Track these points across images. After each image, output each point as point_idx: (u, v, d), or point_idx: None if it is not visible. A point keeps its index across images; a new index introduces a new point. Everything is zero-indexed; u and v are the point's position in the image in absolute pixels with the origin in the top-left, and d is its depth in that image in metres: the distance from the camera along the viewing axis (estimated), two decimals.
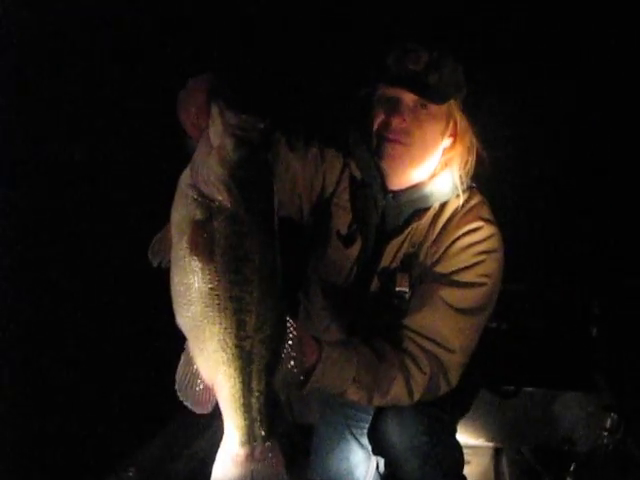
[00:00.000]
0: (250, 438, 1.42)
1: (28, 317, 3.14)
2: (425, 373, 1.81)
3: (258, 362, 1.38)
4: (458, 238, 1.96)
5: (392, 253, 2.03)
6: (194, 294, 1.32)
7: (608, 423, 2.88)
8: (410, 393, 1.81)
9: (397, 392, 1.80)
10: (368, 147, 2.03)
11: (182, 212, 1.32)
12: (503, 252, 1.99)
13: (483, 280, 1.92)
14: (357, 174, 2.12)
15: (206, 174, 1.30)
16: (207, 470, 2.37)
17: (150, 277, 1.43)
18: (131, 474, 2.05)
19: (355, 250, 2.09)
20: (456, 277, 1.91)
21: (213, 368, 1.38)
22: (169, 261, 1.36)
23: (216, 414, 2.49)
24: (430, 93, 1.90)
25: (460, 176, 2.01)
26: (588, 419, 3.12)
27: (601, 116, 4.40)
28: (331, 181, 2.17)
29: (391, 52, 1.94)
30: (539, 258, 3.98)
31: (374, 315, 2.06)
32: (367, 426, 2.30)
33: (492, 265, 1.94)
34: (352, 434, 2.39)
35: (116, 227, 3.72)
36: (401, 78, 1.90)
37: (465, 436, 3.16)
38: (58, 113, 3.72)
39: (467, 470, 2.95)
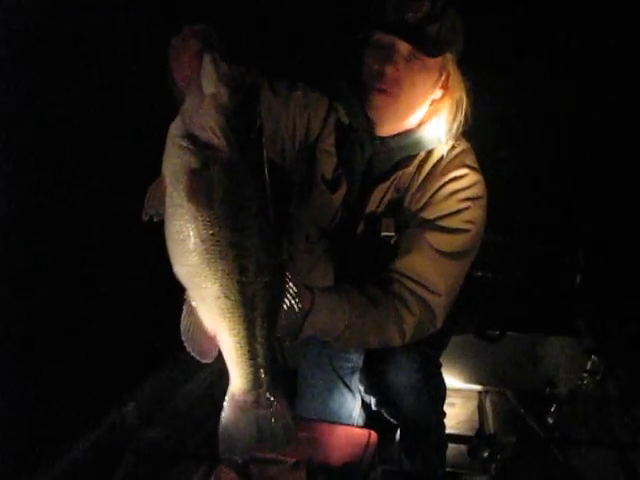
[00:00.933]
0: (256, 385, 1.43)
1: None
2: (414, 315, 1.86)
3: (260, 308, 1.39)
4: (443, 185, 1.98)
5: (378, 198, 2.05)
6: (194, 242, 1.32)
7: (589, 365, 2.98)
8: (401, 335, 1.86)
9: (389, 335, 1.85)
10: (357, 94, 2.02)
11: (176, 162, 1.31)
12: (487, 199, 2.02)
13: (468, 226, 1.95)
14: (344, 119, 2.09)
15: (202, 121, 1.30)
16: (203, 406, 2.47)
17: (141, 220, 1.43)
18: (130, 409, 2.10)
19: (340, 195, 2.09)
20: (442, 223, 1.94)
21: (216, 317, 1.38)
22: (162, 215, 1.35)
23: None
24: (426, 45, 1.87)
25: (447, 126, 2.01)
26: (570, 362, 3.22)
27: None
28: (315, 125, 2.15)
29: None
30: (525, 209, 4.04)
31: (360, 259, 2.09)
32: (351, 366, 2.37)
33: (477, 212, 1.98)
34: (337, 374, 2.41)
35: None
36: (399, 26, 1.86)
37: (450, 379, 3.25)
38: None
39: (452, 412, 3.08)
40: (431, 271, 1.90)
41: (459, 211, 1.95)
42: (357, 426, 2.38)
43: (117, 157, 3.77)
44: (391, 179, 2.04)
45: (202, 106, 1.31)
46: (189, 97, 1.33)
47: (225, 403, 1.47)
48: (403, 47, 1.87)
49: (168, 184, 1.32)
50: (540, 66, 4.40)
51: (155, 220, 1.36)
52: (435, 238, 1.93)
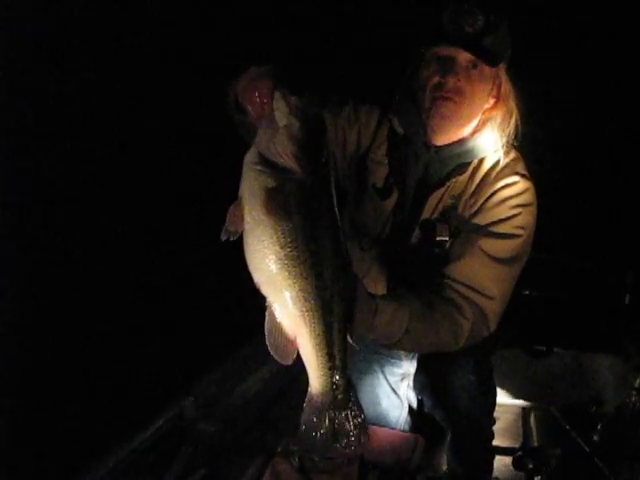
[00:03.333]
0: (332, 387, 1.50)
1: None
2: (468, 320, 1.90)
3: (337, 312, 1.47)
4: (496, 192, 2.03)
5: (433, 205, 2.10)
6: (274, 251, 1.42)
7: (637, 383, 2.98)
8: (456, 340, 1.91)
9: (444, 340, 1.90)
10: (413, 106, 2.08)
11: (254, 184, 1.43)
12: (536, 206, 2.06)
13: (519, 232, 2.00)
14: (399, 130, 2.16)
15: (277, 149, 1.42)
16: (259, 402, 2.54)
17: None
18: (189, 403, 2.17)
19: (391, 202, 2.15)
20: (494, 228, 2.00)
21: (296, 321, 1.46)
22: (238, 234, 1.45)
23: (269, 355, 2.65)
24: (485, 55, 1.94)
25: (499, 134, 2.07)
26: (617, 380, 3.21)
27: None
28: (366, 138, 2.21)
29: (447, 13, 1.95)
30: (576, 228, 4.05)
31: (413, 264, 2.14)
32: (401, 372, 2.43)
33: (527, 218, 2.02)
34: (386, 381, 2.45)
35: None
36: (459, 38, 1.92)
37: (497, 393, 3.27)
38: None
39: (497, 425, 3.08)
40: (484, 276, 1.94)
41: (511, 217, 2.00)
42: (405, 431, 2.43)
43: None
44: (446, 186, 2.09)
45: (276, 136, 1.42)
46: (264, 129, 1.45)
47: (305, 404, 1.53)
48: (462, 58, 1.94)
49: (247, 204, 1.43)
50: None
51: (231, 239, 1.45)
52: (487, 244, 1.97)
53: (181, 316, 3.16)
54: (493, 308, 1.95)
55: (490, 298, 1.94)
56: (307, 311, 1.46)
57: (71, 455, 2.10)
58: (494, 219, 2.01)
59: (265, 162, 1.42)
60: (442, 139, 2.08)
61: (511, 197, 2.03)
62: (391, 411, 2.48)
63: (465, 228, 2.05)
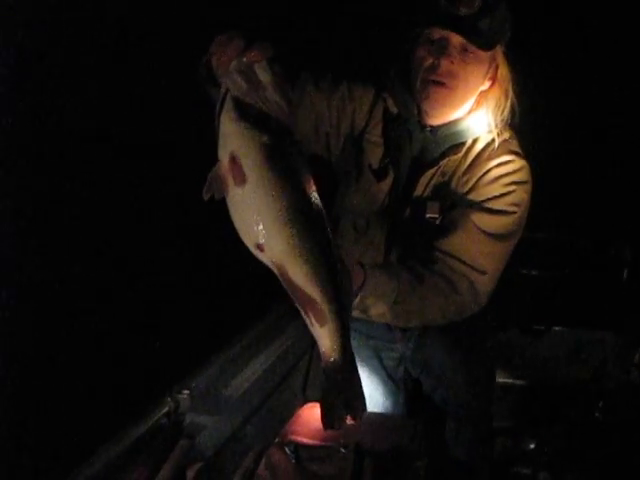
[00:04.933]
0: (339, 347, 1.46)
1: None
2: (458, 293, 1.90)
3: (339, 274, 1.45)
4: (490, 169, 2.02)
5: (424, 183, 2.09)
6: (277, 208, 1.38)
7: (637, 359, 2.98)
8: (445, 313, 1.93)
9: (434, 312, 1.91)
10: (408, 86, 2.07)
11: (244, 141, 1.38)
12: (532, 185, 2.05)
13: (513, 209, 1.99)
14: (393, 110, 2.15)
15: (269, 103, 1.40)
16: (255, 396, 2.54)
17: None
18: (185, 396, 2.16)
19: (388, 183, 2.13)
20: (487, 204, 1.99)
21: (309, 283, 1.42)
22: (221, 194, 1.40)
23: (265, 346, 2.64)
24: (480, 39, 1.91)
25: (494, 115, 2.06)
26: (617, 356, 3.21)
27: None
28: (361, 118, 2.19)
29: None
30: (572, 205, 4.03)
31: (405, 243, 2.13)
32: (397, 356, 2.42)
33: (522, 195, 2.01)
34: (382, 365, 2.44)
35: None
36: (453, 21, 1.90)
37: (497, 374, 3.27)
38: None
39: (497, 408, 3.09)
40: (475, 250, 1.94)
41: (505, 194, 1.99)
42: (402, 417, 2.42)
43: None
44: (439, 164, 2.08)
45: (266, 89, 1.40)
46: (246, 87, 1.40)
47: (323, 369, 1.49)
48: (456, 40, 1.92)
49: (241, 161, 1.38)
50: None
51: (216, 198, 1.40)
52: (480, 219, 1.97)
53: (176, 309, 3.15)
54: (485, 283, 1.95)
55: (482, 273, 1.94)
56: (312, 267, 1.42)
57: (67, 450, 2.10)
58: (488, 196, 2.00)
59: (250, 116, 1.39)
60: (436, 120, 2.07)
61: (505, 175, 2.01)
62: (388, 397, 2.47)
63: (458, 204, 2.04)
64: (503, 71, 2.04)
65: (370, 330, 2.37)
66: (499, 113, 2.06)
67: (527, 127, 2.15)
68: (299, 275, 1.42)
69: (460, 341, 2.22)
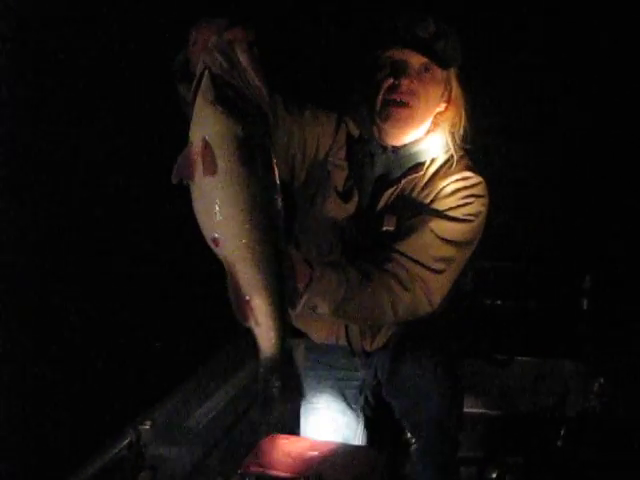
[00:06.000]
0: (282, 345, 1.53)
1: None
2: (408, 290, 1.96)
3: (281, 274, 1.50)
4: (448, 184, 2.12)
5: (384, 201, 2.16)
6: (241, 202, 1.40)
7: (596, 387, 3.02)
8: (395, 310, 1.97)
9: (383, 309, 1.97)
10: (368, 107, 2.15)
11: (219, 129, 1.38)
12: (488, 201, 2.15)
13: (470, 218, 2.09)
14: (355, 132, 2.23)
15: (248, 86, 1.40)
16: (218, 427, 2.53)
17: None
18: (147, 427, 2.15)
19: (353, 204, 2.19)
20: (445, 212, 2.08)
21: (255, 283, 1.46)
22: (190, 179, 1.40)
23: (227, 378, 2.64)
24: (437, 58, 2.05)
25: (450, 136, 2.17)
26: (577, 386, 3.25)
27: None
28: (325, 141, 2.26)
29: (401, 19, 2.07)
30: (532, 235, 4.10)
31: (360, 253, 2.15)
32: (357, 384, 2.43)
33: (479, 208, 2.11)
34: (343, 395, 2.44)
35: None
36: (413, 42, 2.03)
37: None
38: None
39: (462, 436, 3.09)
40: (430, 253, 2.01)
41: (462, 205, 2.09)
42: (364, 446, 2.42)
43: None
44: (399, 183, 2.16)
45: (248, 69, 1.41)
46: (224, 64, 1.40)
47: (259, 366, 1.57)
48: (415, 61, 2.06)
49: (214, 150, 1.38)
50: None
51: (185, 183, 1.41)
52: (437, 225, 2.05)
53: (138, 339, 3.13)
54: (438, 283, 2.02)
55: (435, 272, 2.01)
56: (261, 267, 1.46)
57: None
58: (446, 207, 2.09)
59: (228, 98, 1.39)
60: (396, 141, 2.18)
61: (463, 188, 2.12)
62: (349, 427, 2.46)
63: (416, 215, 2.11)
64: (457, 93, 2.18)
65: (331, 359, 2.39)
66: (455, 132, 2.18)
67: (492, 152, 2.26)
68: (247, 275, 1.45)
69: (435, 365, 2.23)
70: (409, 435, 2.35)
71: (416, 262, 1.99)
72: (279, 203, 1.48)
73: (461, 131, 2.18)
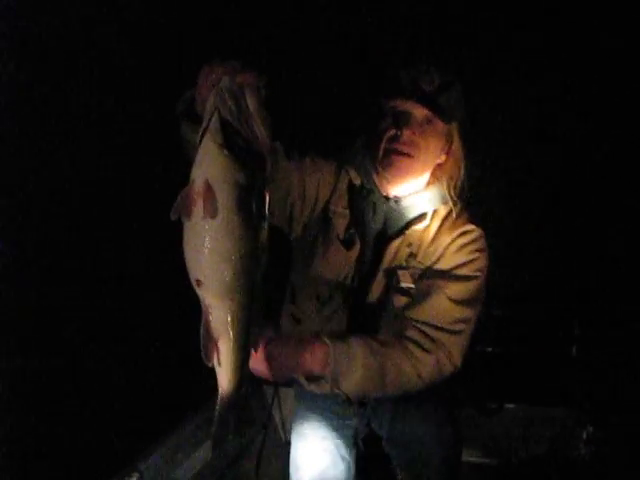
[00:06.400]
0: (240, 386, 1.59)
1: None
2: (429, 352, 1.97)
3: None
4: (454, 239, 2.14)
5: (392, 253, 2.17)
6: (232, 249, 1.42)
7: (585, 435, 3.02)
8: (419, 375, 1.96)
9: (407, 376, 1.95)
10: (370, 156, 2.18)
11: (223, 174, 1.40)
12: (488, 253, 2.18)
13: (478, 274, 2.11)
14: (357, 181, 2.24)
15: (253, 133, 1.43)
16: (208, 477, 2.51)
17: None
18: (135, 479, 2.14)
19: (355, 252, 2.19)
20: (455, 272, 2.10)
21: (228, 327, 1.51)
22: (188, 217, 1.41)
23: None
24: (440, 112, 2.07)
25: (450, 187, 2.19)
26: (567, 432, 3.25)
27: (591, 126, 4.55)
28: (325, 190, 2.27)
29: (406, 71, 2.08)
30: (520, 282, 4.12)
31: (376, 313, 2.17)
32: (351, 434, 2.42)
33: (484, 262, 2.14)
34: (333, 444, 2.42)
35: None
36: (417, 95, 2.05)
37: None
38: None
39: None
40: (447, 317, 2.03)
41: (470, 262, 2.11)
42: None
43: None
44: (404, 235, 2.18)
45: (255, 118, 1.43)
46: (232, 106, 1.42)
47: (217, 406, 1.61)
48: (419, 113, 2.07)
49: (215, 189, 1.40)
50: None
51: (182, 221, 1.43)
52: (450, 288, 2.07)
53: (125, 389, 3.11)
54: (458, 343, 2.03)
55: (453, 333, 2.02)
56: (238, 314, 1.50)
57: None
58: (455, 264, 2.11)
59: (234, 144, 1.41)
60: (396, 190, 2.19)
61: (469, 243, 2.14)
62: (340, 477, 2.42)
63: (427, 274, 2.13)
64: (457, 146, 2.19)
65: (325, 404, 2.38)
66: (452, 185, 2.20)
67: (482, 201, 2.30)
68: (220, 319, 1.49)
69: (437, 415, 2.27)
70: None
71: (434, 327, 2.01)
72: (265, 255, 1.51)
73: (459, 183, 2.21)
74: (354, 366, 1.86)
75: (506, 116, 4.46)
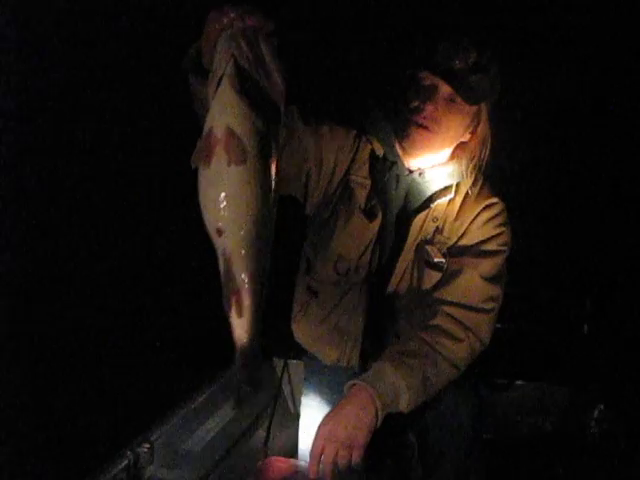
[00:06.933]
0: (252, 336, 1.51)
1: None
2: (461, 341, 1.98)
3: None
4: (479, 213, 2.15)
5: (417, 228, 2.15)
6: (254, 198, 1.39)
7: (595, 414, 3.01)
8: (457, 366, 1.99)
9: (445, 372, 1.96)
10: (391, 126, 2.15)
11: (243, 120, 1.35)
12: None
13: (504, 248, 2.14)
14: (379, 152, 2.19)
15: (269, 81, 1.39)
16: (216, 450, 2.51)
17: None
18: (145, 450, 2.14)
19: (377, 224, 2.16)
20: (483, 247, 2.11)
21: (246, 277, 1.44)
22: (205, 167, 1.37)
23: (222, 399, 2.63)
24: (467, 93, 2.01)
25: (472, 164, 2.16)
26: (577, 411, 3.24)
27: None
28: (344, 159, 2.20)
29: (443, 44, 2.01)
30: (532, 259, 4.09)
31: (403, 285, 2.18)
32: None
33: (509, 235, 2.17)
34: None
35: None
36: (446, 71, 1.99)
37: None
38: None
39: None
40: (478, 295, 2.04)
41: (496, 236, 2.13)
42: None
43: None
44: (428, 209, 2.15)
45: (264, 61, 1.38)
46: (248, 52, 1.36)
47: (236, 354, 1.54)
48: (445, 89, 2.01)
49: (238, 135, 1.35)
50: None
51: (201, 170, 1.38)
52: (480, 265, 2.08)
53: (136, 360, 3.12)
54: (488, 323, 2.06)
55: (484, 312, 2.04)
56: (261, 262, 1.46)
57: None
58: (482, 238, 2.13)
59: (252, 91, 1.36)
60: (415, 162, 2.16)
61: (494, 217, 2.15)
62: None
63: (455, 249, 2.14)
64: (483, 127, 2.14)
65: (337, 381, 2.36)
66: (476, 162, 2.17)
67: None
68: (241, 267, 1.43)
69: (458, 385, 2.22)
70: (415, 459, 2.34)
71: (465, 307, 2.01)
72: (275, 204, 1.46)
73: (481, 163, 2.17)
74: (400, 391, 1.86)
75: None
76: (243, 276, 1.44)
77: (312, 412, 2.45)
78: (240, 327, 1.49)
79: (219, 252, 1.44)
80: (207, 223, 1.41)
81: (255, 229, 1.41)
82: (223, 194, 1.37)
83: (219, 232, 1.41)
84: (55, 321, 3.23)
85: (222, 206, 1.38)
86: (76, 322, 3.30)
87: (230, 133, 1.34)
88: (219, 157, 1.35)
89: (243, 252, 1.42)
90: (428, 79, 2.03)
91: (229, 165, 1.35)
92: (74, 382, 2.99)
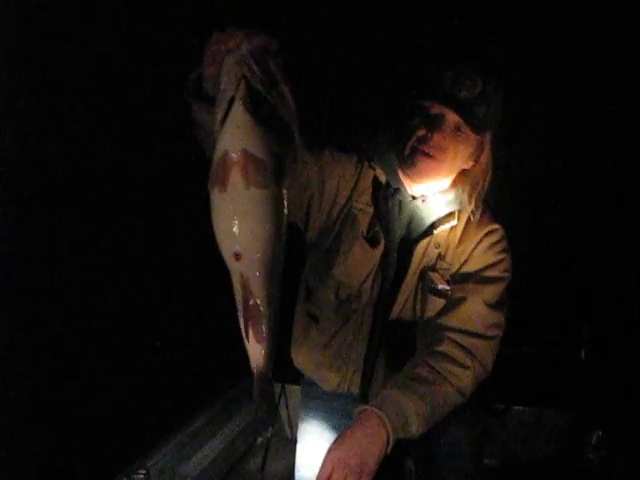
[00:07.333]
0: (267, 362, 1.50)
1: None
2: (467, 368, 1.97)
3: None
4: (481, 240, 2.15)
5: (420, 253, 2.15)
6: (270, 221, 1.37)
7: (594, 440, 3.00)
8: (463, 394, 1.97)
9: (451, 398, 1.95)
10: (395, 153, 2.14)
11: (258, 142, 1.34)
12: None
13: (506, 275, 2.13)
14: (382, 178, 2.19)
15: (282, 102, 1.38)
16: (214, 475, 2.51)
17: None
18: (142, 476, 2.13)
19: (379, 251, 2.16)
20: (485, 274, 2.11)
21: (263, 300, 1.42)
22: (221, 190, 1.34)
23: (220, 424, 2.62)
24: (474, 121, 2.02)
25: (474, 191, 2.16)
26: (575, 436, 3.23)
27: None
28: (346, 185, 2.21)
29: (449, 73, 2.02)
30: (530, 285, 4.09)
31: (406, 312, 2.18)
32: None
33: (509, 261, 2.16)
34: None
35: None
36: (453, 100, 2.00)
37: None
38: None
39: None
40: (482, 322, 2.04)
41: (498, 262, 2.13)
42: None
43: None
44: (430, 235, 2.16)
45: (275, 82, 1.37)
46: (259, 72, 1.35)
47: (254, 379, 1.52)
48: (452, 119, 2.02)
49: (249, 163, 1.33)
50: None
51: (217, 193, 1.35)
52: (484, 292, 2.07)
53: (132, 386, 3.10)
54: (491, 348, 2.05)
55: (488, 339, 2.04)
56: (276, 286, 1.44)
57: None
58: (484, 265, 2.12)
59: (263, 114, 1.35)
60: (420, 189, 2.16)
61: (495, 243, 2.15)
62: None
63: (458, 275, 2.14)
64: (486, 154, 2.15)
65: (338, 404, 2.36)
66: (477, 189, 2.16)
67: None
68: (259, 292, 1.41)
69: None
70: None
71: (470, 334, 2.01)
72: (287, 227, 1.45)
73: (483, 188, 2.17)
74: (410, 417, 1.84)
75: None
76: (260, 301, 1.42)
77: (309, 437, 2.43)
78: (258, 353, 1.48)
79: (235, 277, 1.41)
80: (223, 247, 1.39)
81: (273, 252, 1.39)
82: (241, 217, 1.35)
83: (237, 256, 1.38)
84: (51, 340, 3.21)
85: (240, 230, 1.36)
86: (72, 338, 3.28)
87: (247, 155, 1.32)
88: (236, 180, 1.33)
89: (261, 276, 1.40)
90: (435, 108, 2.03)
91: (247, 188, 1.33)
92: (68, 408, 2.97)
